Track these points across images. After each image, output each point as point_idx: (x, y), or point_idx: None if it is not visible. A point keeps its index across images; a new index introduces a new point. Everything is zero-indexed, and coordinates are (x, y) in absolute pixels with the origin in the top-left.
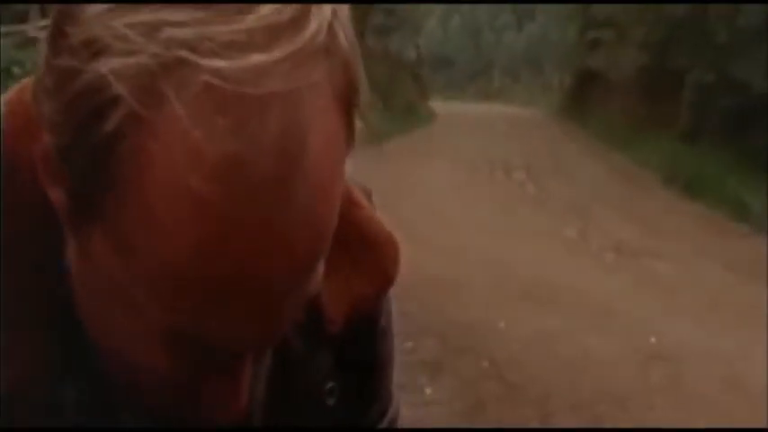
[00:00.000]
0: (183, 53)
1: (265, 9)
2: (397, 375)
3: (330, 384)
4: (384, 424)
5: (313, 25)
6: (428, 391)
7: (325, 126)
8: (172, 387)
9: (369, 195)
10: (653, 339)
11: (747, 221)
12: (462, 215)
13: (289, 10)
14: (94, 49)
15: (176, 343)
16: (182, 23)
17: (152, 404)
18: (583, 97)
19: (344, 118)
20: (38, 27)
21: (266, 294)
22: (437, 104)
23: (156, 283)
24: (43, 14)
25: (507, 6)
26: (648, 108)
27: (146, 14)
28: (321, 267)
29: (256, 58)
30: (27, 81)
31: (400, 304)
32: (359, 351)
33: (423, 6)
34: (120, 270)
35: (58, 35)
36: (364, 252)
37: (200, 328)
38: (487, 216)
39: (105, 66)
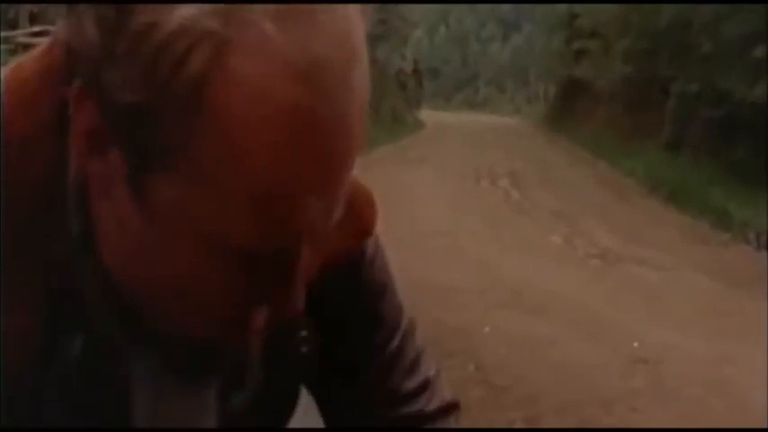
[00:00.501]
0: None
1: None
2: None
3: (303, 333)
4: (397, 338)
5: None
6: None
7: (359, 29)
8: (218, 308)
9: None
10: (636, 344)
11: (730, 230)
12: (449, 222)
13: None
14: (171, 2)
15: (247, 260)
16: None
17: (195, 329)
18: (568, 107)
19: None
20: (28, 33)
21: (330, 192)
22: (424, 113)
23: (243, 200)
24: (32, 21)
25: (493, 17)
26: (633, 118)
27: None
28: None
29: None
30: (21, 60)
31: None
32: (340, 301)
33: (411, 16)
34: (197, 207)
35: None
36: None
37: (275, 234)
38: (474, 223)
39: (187, 11)
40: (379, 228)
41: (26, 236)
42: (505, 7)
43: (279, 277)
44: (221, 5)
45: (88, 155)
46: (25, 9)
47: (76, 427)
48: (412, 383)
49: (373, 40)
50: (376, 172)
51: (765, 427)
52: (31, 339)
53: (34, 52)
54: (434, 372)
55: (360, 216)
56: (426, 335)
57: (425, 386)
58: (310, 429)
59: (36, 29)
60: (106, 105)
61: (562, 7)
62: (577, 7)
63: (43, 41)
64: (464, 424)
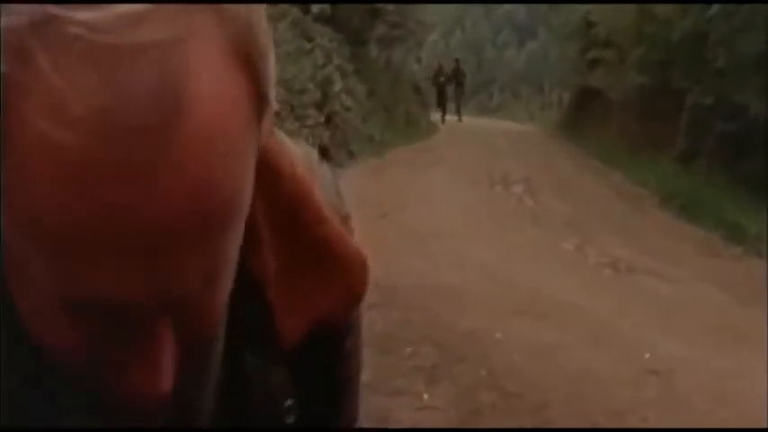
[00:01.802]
0: (52, 9)
1: None
2: (393, 381)
3: (289, 402)
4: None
5: None
6: (426, 396)
7: (213, 77)
8: (91, 364)
9: (346, 220)
10: (647, 355)
11: (743, 244)
12: (462, 226)
13: None
14: None
15: (76, 312)
16: None
17: (86, 382)
18: (581, 116)
19: (244, 73)
20: None
21: (147, 250)
22: (437, 117)
23: (38, 241)
24: None
25: (509, 23)
26: (646, 128)
27: None
28: (230, 244)
29: (127, 7)
30: None
31: (402, 312)
32: (321, 370)
33: (427, 20)
34: (12, 237)
35: None
36: (330, 269)
37: (90, 288)
38: (487, 228)
39: None
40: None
41: None
42: (521, 13)
43: (125, 338)
44: (20, 26)
45: None
46: None
47: (77, 427)
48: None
49: (389, 42)
50: (389, 174)
51: (765, 427)
52: None
53: None
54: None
55: (348, 280)
56: (438, 339)
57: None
58: (314, 430)
59: None
60: None
61: (577, 15)
62: (593, 16)
63: None
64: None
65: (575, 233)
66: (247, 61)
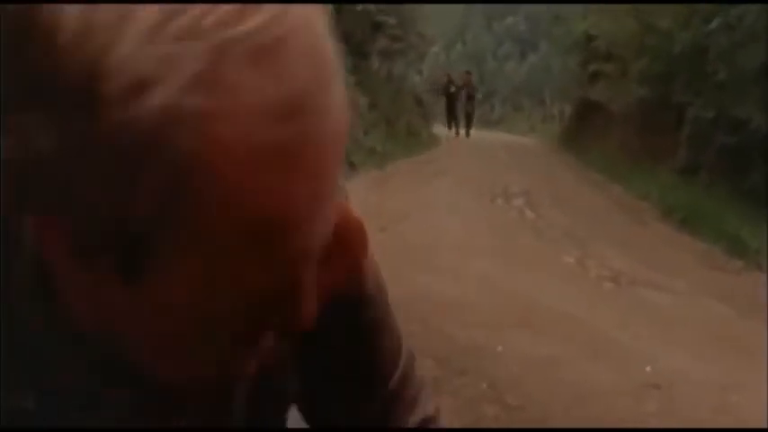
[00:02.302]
0: (217, 37)
1: None
2: None
3: (288, 377)
4: (395, 379)
5: None
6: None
7: (329, 43)
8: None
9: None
10: (648, 368)
11: (744, 257)
12: (463, 239)
13: None
14: (141, 86)
15: (250, 301)
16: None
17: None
18: (582, 128)
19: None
20: None
21: (324, 209)
22: (439, 129)
23: (239, 249)
24: None
25: (510, 35)
26: (648, 141)
27: (151, 17)
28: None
29: (270, 8)
30: None
31: (402, 324)
32: (345, 327)
33: (428, 33)
34: (196, 275)
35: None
36: (333, 242)
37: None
38: (488, 240)
39: (166, 91)
40: (375, 252)
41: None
42: (522, 26)
43: (285, 304)
44: (199, 71)
45: (67, 262)
46: None
47: (80, 428)
48: (413, 420)
49: (390, 55)
50: (391, 187)
51: (765, 427)
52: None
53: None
54: (434, 409)
55: (349, 248)
56: (438, 352)
57: (426, 423)
58: (308, 430)
59: None
60: (85, 224)
61: (578, 28)
62: (593, 29)
63: None
64: None
65: (575, 246)
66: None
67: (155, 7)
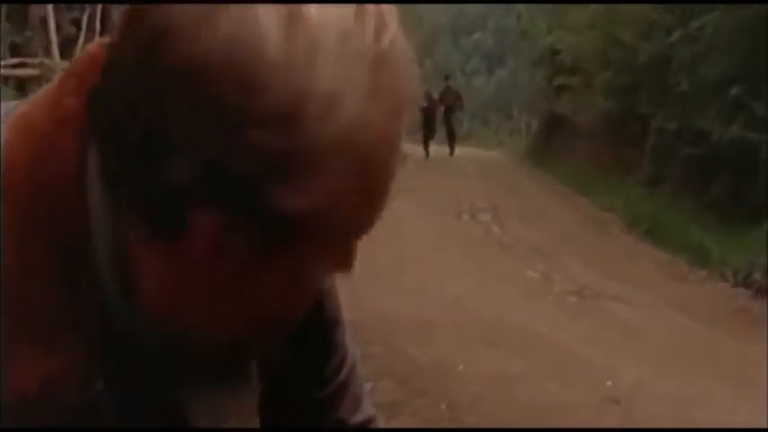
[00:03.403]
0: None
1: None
2: None
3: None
4: (344, 373)
5: None
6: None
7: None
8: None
9: None
10: (609, 383)
11: (707, 267)
12: (428, 257)
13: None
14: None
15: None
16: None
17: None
18: (549, 142)
19: None
20: (8, 65)
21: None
22: (407, 146)
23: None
24: (13, 52)
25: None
26: (613, 154)
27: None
28: None
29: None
30: (25, 110)
31: (364, 346)
32: (307, 320)
33: None
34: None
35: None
36: None
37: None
38: (453, 258)
39: (257, 133)
40: None
41: (59, 285)
42: (490, 42)
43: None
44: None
45: (214, 256)
46: (6, 39)
47: (81, 428)
48: (357, 417)
49: None
50: None
51: (765, 427)
52: (65, 384)
53: (39, 101)
54: (374, 412)
55: None
56: (399, 373)
57: (368, 423)
58: (317, 429)
59: (14, 61)
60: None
61: (543, 43)
62: (558, 43)
63: (22, 73)
64: None
65: (541, 260)
66: None
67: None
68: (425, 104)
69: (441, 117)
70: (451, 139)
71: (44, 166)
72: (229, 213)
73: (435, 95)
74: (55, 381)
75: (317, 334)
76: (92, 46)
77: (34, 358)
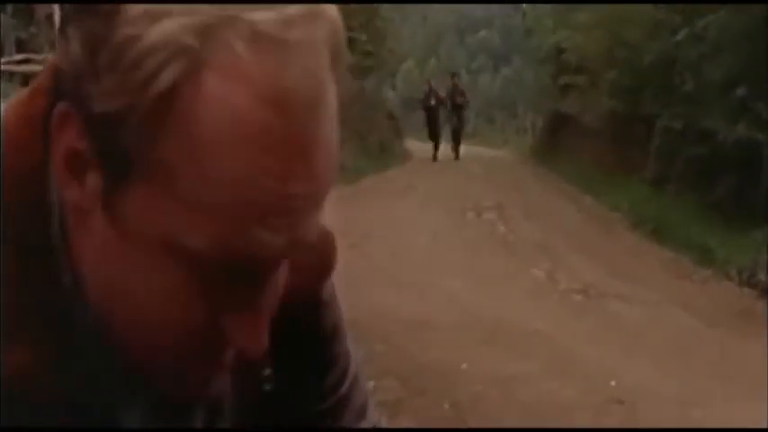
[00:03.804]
0: (235, 11)
1: None
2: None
3: (267, 371)
4: (346, 384)
5: None
6: (388, 428)
7: (328, 75)
8: (191, 339)
9: None
10: (613, 383)
11: (712, 266)
12: (433, 256)
13: None
14: (155, 16)
15: (206, 281)
16: None
17: (167, 369)
18: (554, 140)
19: (334, 76)
20: (12, 61)
21: (296, 211)
22: (412, 144)
23: (209, 206)
24: (19, 48)
25: (483, 49)
26: (618, 153)
27: None
28: (321, 212)
29: (289, 10)
30: (12, 102)
31: (367, 344)
32: (304, 327)
33: (399, 49)
34: (166, 214)
35: (108, 15)
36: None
37: (239, 245)
38: (458, 257)
39: (169, 25)
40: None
41: (25, 283)
42: (496, 40)
43: (245, 300)
44: (201, 23)
45: (66, 181)
46: (11, 35)
47: (77, 428)
48: (364, 425)
49: (362, 71)
50: (362, 202)
51: (765, 427)
52: (30, 380)
53: (15, 100)
54: (380, 420)
55: (320, 256)
56: (401, 372)
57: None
58: (318, 429)
59: (19, 57)
60: (85, 120)
61: (549, 42)
62: (564, 42)
63: (27, 69)
64: None
65: (546, 259)
66: (335, 63)
67: None
68: (431, 102)
69: (444, 115)
70: (456, 141)
71: (13, 164)
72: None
73: (442, 93)
74: (22, 375)
75: (313, 347)
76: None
77: (5, 351)
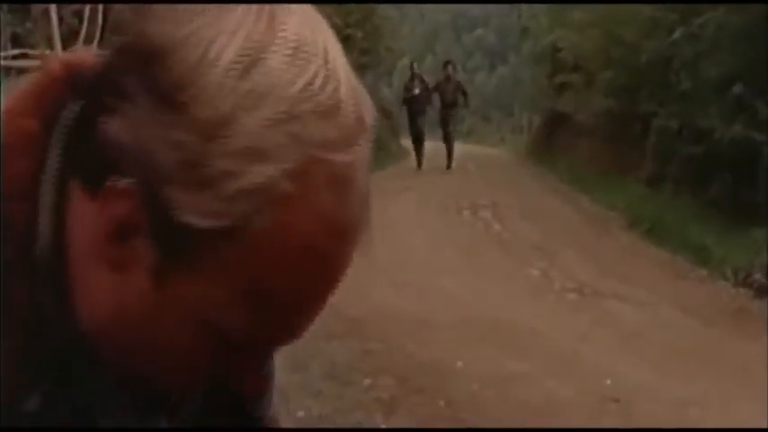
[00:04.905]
0: (318, 152)
1: (347, 111)
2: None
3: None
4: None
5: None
6: (383, 428)
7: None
8: (191, 375)
9: None
10: (608, 381)
11: (708, 266)
12: (429, 254)
13: (352, 110)
14: (253, 157)
15: (223, 343)
16: (301, 119)
17: (155, 385)
18: (550, 139)
19: None
20: (8, 56)
21: (317, 308)
22: (409, 143)
23: (253, 303)
24: (14, 43)
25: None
26: (614, 152)
27: (268, 109)
28: None
29: (358, 149)
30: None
31: (363, 342)
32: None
33: (396, 46)
34: (211, 299)
35: (205, 134)
36: None
37: (266, 333)
38: (453, 255)
39: (269, 171)
40: None
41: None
42: (491, 38)
43: (251, 363)
44: (297, 169)
45: (105, 241)
46: (7, 30)
47: (77, 428)
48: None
49: (359, 69)
50: None
51: (765, 427)
52: None
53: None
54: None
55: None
56: (398, 371)
57: None
58: (313, 429)
59: (15, 52)
60: (151, 204)
61: (545, 41)
62: (560, 41)
63: (23, 64)
64: None
65: (541, 258)
66: None
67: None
68: (415, 91)
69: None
70: (449, 145)
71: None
72: (141, 199)
73: (431, 84)
74: None
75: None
76: (52, 63)
77: None
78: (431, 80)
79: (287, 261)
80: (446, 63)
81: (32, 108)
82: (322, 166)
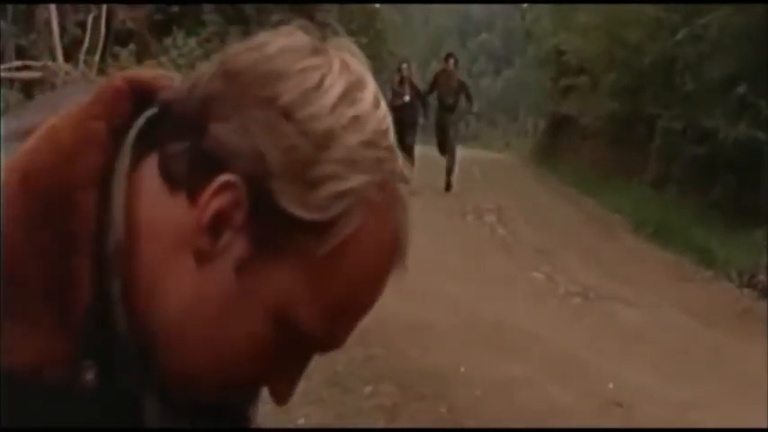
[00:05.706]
0: (391, 178)
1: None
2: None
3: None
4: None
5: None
6: (382, 428)
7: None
8: (233, 378)
9: None
10: (611, 385)
11: (713, 268)
12: (432, 259)
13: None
14: (352, 165)
15: (281, 346)
16: (380, 148)
17: (192, 386)
18: (555, 142)
19: None
20: (11, 68)
21: (361, 318)
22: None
23: (328, 297)
24: (19, 54)
25: (485, 52)
26: (619, 154)
27: (363, 133)
28: None
29: (404, 187)
30: (56, 123)
31: (365, 349)
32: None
33: (400, 51)
34: (291, 290)
35: (317, 143)
36: None
37: (325, 334)
38: (457, 260)
39: (363, 179)
40: None
41: (60, 273)
42: (497, 42)
43: (301, 365)
44: (382, 180)
45: (200, 229)
46: (12, 42)
47: (77, 428)
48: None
49: None
50: None
51: (765, 427)
52: (48, 367)
53: (66, 118)
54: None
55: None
56: (400, 376)
57: None
58: (310, 429)
59: (18, 63)
60: (255, 197)
61: (549, 44)
62: (564, 44)
63: (26, 76)
64: None
65: (546, 261)
66: None
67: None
68: (405, 98)
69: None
70: (449, 159)
71: (65, 174)
72: (243, 192)
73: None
74: (40, 363)
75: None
76: (116, 79)
77: (20, 335)
78: (424, 88)
79: (361, 265)
80: (447, 56)
81: (100, 113)
82: (394, 190)
